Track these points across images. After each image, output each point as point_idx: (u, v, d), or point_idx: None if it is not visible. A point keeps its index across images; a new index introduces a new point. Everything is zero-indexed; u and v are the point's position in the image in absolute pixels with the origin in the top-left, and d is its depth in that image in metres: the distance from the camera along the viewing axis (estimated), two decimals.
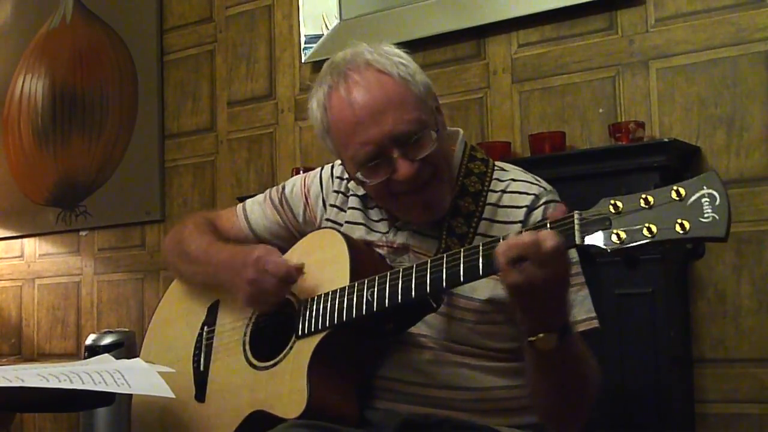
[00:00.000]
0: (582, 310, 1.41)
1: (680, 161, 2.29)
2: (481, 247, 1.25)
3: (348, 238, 1.48)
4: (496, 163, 1.54)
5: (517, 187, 1.48)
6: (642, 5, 2.50)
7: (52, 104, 3.91)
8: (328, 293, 1.43)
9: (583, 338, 1.38)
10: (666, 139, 2.27)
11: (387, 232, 1.52)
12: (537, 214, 1.44)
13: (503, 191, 1.48)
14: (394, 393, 1.45)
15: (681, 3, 2.44)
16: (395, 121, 1.38)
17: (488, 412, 1.45)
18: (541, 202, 1.46)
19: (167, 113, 3.58)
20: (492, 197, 1.47)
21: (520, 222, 1.44)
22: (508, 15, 2.68)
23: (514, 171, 1.53)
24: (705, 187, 1.07)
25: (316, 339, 1.42)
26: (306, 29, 3.12)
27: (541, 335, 1.22)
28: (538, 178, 1.52)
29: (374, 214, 1.56)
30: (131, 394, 1.68)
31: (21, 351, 3.96)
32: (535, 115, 2.66)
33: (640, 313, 2.14)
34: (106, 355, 1.64)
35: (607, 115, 2.52)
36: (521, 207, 1.45)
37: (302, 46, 3.13)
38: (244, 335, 1.57)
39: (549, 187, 1.50)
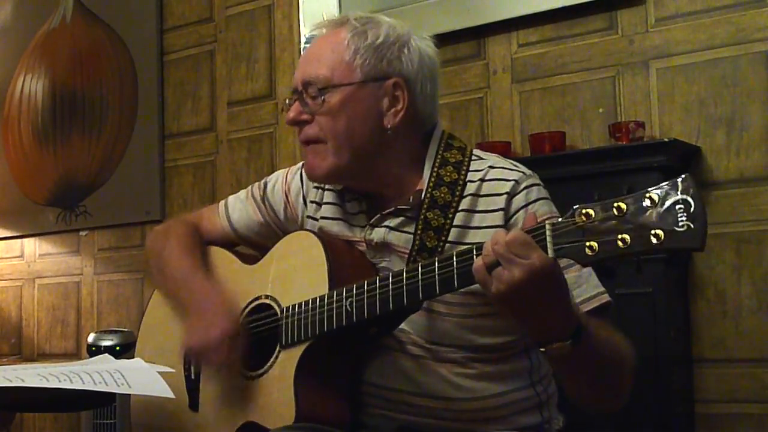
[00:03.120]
0: (590, 286, 1.36)
1: (680, 161, 2.29)
2: (455, 258, 1.23)
3: (324, 240, 1.46)
4: (474, 151, 1.51)
5: (495, 174, 1.43)
6: (642, 5, 2.50)
7: (52, 104, 3.91)
8: (308, 302, 1.42)
9: (599, 315, 1.35)
10: (666, 139, 2.27)
11: (364, 227, 1.49)
12: (518, 200, 1.40)
13: (482, 180, 1.43)
14: (386, 401, 1.43)
15: (681, 3, 2.44)
16: (307, 69, 1.48)
17: (486, 420, 1.42)
18: (522, 187, 1.41)
19: (167, 113, 3.58)
20: (471, 187, 1.43)
21: (501, 210, 1.40)
22: (508, 15, 2.68)
23: (491, 158, 1.49)
24: (678, 193, 1.03)
25: (299, 350, 1.41)
26: (306, 29, 3.12)
27: (554, 345, 1.18)
28: (516, 163, 1.48)
29: (351, 207, 1.53)
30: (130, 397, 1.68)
31: (21, 351, 3.96)
32: (535, 115, 2.66)
33: (640, 313, 2.13)
34: (106, 355, 1.63)
35: (607, 115, 2.52)
36: (501, 194, 1.41)
37: (302, 46, 3.13)
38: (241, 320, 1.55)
39: (528, 171, 1.46)
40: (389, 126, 1.45)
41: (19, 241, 4.03)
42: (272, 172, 3.18)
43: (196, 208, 3.38)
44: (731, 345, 2.30)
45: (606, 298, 1.38)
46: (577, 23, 2.60)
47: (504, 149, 2.53)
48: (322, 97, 1.44)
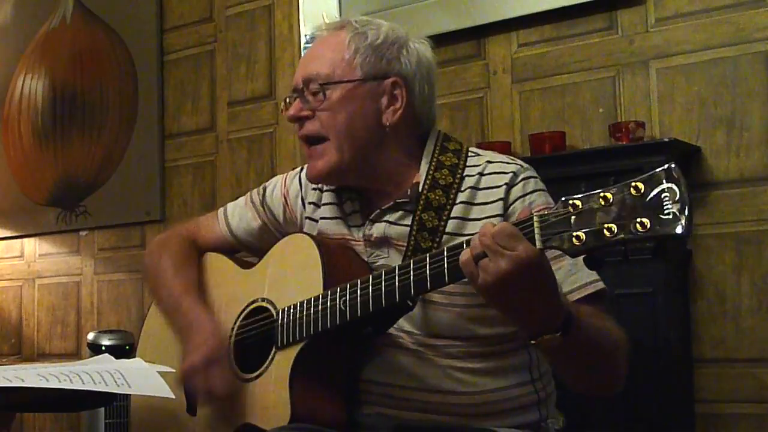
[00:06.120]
0: (585, 273, 1.36)
1: (680, 161, 2.29)
2: (445, 253, 1.23)
3: (319, 242, 1.47)
4: (470, 148, 1.53)
5: (493, 168, 1.46)
6: (642, 5, 2.50)
7: (52, 104, 3.91)
8: (303, 302, 1.42)
9: (594, 301, 1.35)
10: (666, 139, 2.27)
11: (363, 225, 1.51)
12: (516, 191, 1.43)
13: (480, 174, 1.46)
14: (384, 397, 1.43)
15: (681, 3, 2.44)
16: (308, 67, 1.51)
17: (485, 415, 1.42)
18: (520, 178, 1.44)
19: (167, 113, 3.58)
20: (469, 180, 1.46)
21: (500, 200, 1.42)
22: (508, 15, 2.68)
23: (487, 154, 1.52)
24: (664, 182, 1.03)
25: (294, 350, 1.42)
26: (306, 29, 3.13)
27: (545, 337, 1.19)
28: (513, 158, 1.52)
29: (348, 207, 1.55)
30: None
31: (21, 351, 3.96)
32: (535, 115, 2.66)
33: (640, 313, 2.14)
34: (106, 355, 1.63)
35: (607, 115, 2.52)
36: (500, 186, 1.43)
37: (302, 46, 3.14)
38: (228, 346, 1.56)
39: (525, 164, 1.48)
40: (388, 123, 1.48)
41: (19, 241, 4.03)
42: (272, 172, 3.23)
43: (196, 208, 3.42)
44: (731, 345, 2.30)
45: (601, 285, 1.38)
46: (577, 23, 2.60)
47: (504, 149, 2.53)
48: (323, 93, 1.47)
